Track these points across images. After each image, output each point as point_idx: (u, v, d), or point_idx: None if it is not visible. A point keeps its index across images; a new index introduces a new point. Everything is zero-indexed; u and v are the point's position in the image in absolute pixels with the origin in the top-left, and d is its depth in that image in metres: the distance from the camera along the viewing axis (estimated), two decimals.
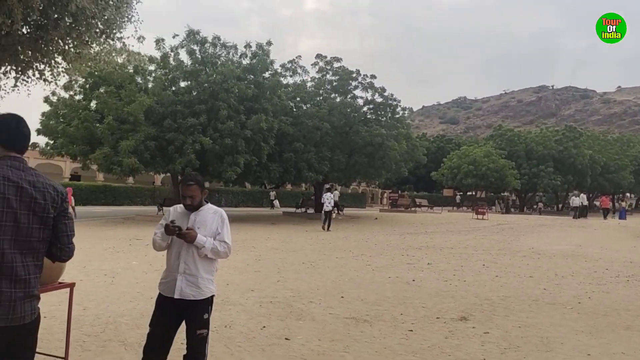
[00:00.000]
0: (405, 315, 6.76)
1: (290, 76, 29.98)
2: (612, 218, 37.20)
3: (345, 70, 30.36)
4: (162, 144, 22.00)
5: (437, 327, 6.19)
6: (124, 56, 24.57)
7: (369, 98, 30.96)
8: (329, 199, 22.10)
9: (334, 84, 30.32)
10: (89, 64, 22.37)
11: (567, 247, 16.41)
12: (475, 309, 7.17)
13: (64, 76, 3.71)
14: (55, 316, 6.10)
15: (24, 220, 2.28)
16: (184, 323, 3.63)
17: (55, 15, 2.42)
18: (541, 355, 5.21)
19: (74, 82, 23.75)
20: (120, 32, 3.48)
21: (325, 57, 30.98)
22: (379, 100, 30.97)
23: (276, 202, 46.01)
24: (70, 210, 16.62)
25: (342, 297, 7.86)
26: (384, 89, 30.87)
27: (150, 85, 23.39)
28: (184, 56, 25.02)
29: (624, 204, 52.27)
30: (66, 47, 3.09)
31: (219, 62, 24.57)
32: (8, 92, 4.50)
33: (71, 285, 3.57)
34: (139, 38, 3.85)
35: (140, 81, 24.21)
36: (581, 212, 36.22)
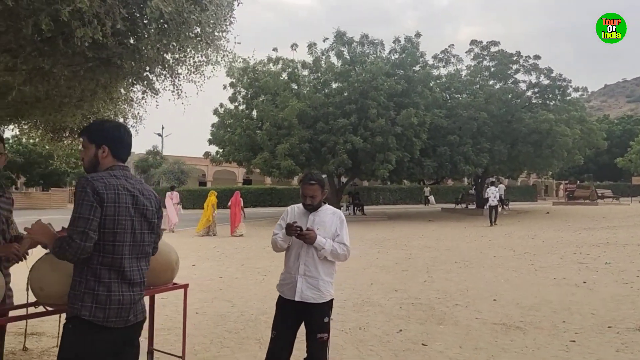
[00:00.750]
0: (569, 323, 5.76)
1: (443, 66, 28.75)
2: None
3: (503, 54, 28.08)
4: (316, 145, 22.72)
5: (607, 338, 5.14)
6: (279, 65, 26.03)
7: (533, 81, 28.25)
8: (493, 193, 21.47)
9: (492, 69, 28.24)
10: (250, 74, 24.24)
11: None
12: None
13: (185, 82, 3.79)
14: (206, 312, 6.49)
15: (138, 227, 2.39)
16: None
17: (143, 21, 2.42)
18: None
19: (237, 94, 25.89)
20: (222, 34, 3.42)
21: (481, 42, 29.04)
22: (545, 82, 28.04)
23: (431, 198, 44.62)
24: (242, 212, 18.20)
25: (494, 300, 7.06)
26: (550, 70, 27.88)
27: (305, 90, 24.37)
28: (334, 59, 25.60)
29: None
30: (164, 55, 3.17)
31: (368, 61, 24.57)
32: (141, 104, 4.83)
33: (185, 287, 3.63)
34: (237, 42, 3.83)
35: (295, 87, 25.33)
36: None
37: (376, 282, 8.57)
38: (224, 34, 3.72)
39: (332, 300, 3.52)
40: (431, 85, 26.46)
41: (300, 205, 3.56)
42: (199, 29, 2.77)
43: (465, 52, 28.90)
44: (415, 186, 47.27)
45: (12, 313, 3.12)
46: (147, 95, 3.92)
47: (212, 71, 4.17)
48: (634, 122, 65.54)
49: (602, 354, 4.69)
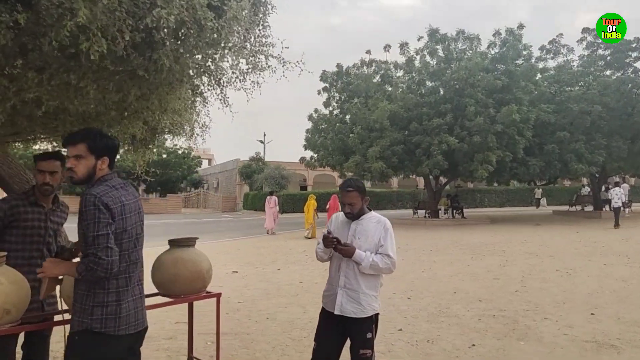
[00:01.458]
0: None
1: (552, 58, 26.61)
2: None
3: (621, 41, 25.31)
4: (410, 147, 22.15)
5: None
6: (373, 67, 25.85)
7: None
8: (617, 194, 19.86)
9: (608, 58, 25.60)
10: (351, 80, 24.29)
11: None
12: None
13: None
14: (277, 317, 6.50)
15: (139, 232, 2.46)
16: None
17: (159, 32, 2.44)
18: None
19: (331, 98, 26.13)
20: (256, 39, 3.39)
21: (595, 29, 26.46)
22: None
23: (543, 201, 41.45)
24: None
25: (591, 313, 6.29)
26: None
27: (398, 91, 23.94)
28: (429, 57, 24.83)
29: None
30: (201, 63, 3.22)
31: (465, 57, 23.51)
32: (202, 114, 4.97)
33: (217, 296, 3.59)
34: (285, 47, 3.75)
35: (390, 89, 24.94)
36: None
37: (460, 291, 8.05)
38: (262, 39, 3.68)
39: (376, 315, 3.31)
40: (536, 79, 24.60)
41: (342, 214, 3.40)
42: (217, 35, 2.73)
43: (577, 42, 26.51)
44: (524, 187, 44.22)
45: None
46: (196, 103, 4.01)
47: (262, 77, 4.14)
48: None
49: None
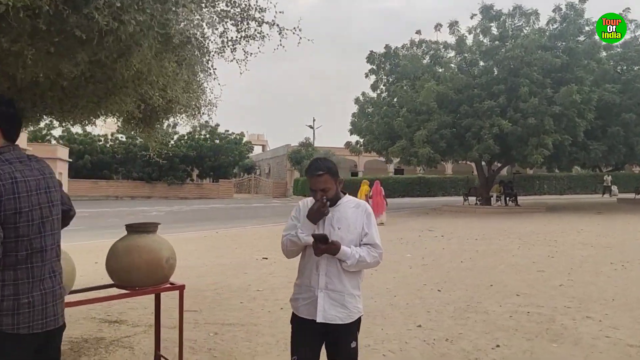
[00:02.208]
0: None
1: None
2: None
3: None
4: (460, 131, 21.16)
5: None
6: (423, 47, 24.87)
7: None
8: None
9: None
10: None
11: None
12: None
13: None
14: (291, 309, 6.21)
15: (46, 214, 2.09)
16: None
17: None
18: None
19: (379, 81, 25.41)
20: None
21: None
22: None
23: (614, 189, 38.77)
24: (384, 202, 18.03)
25: None
26: None
27: (448, 72, 22.90)
28: (482, 36, 23.55)
29: None
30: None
31: (522, 34, 22.08)
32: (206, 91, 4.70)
33: (180, 289, 3.26)
34: (280, 12, 3.36)
35: (440, 70, 23.89)
36: None
37: (498, 283, 7.46)
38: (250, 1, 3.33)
39: (360, 318, 2.82)
40: (600, 56, 22.80)
41: (312, 200, 2.79)
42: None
43: None
44: (587, 174, 41.63)
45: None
46: (183, 76, 3.72)
47: (258, 48, 3.81)
48: None
49: None
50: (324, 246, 2.62)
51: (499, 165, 26.17)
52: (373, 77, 25.54)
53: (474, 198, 25.45)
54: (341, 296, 2.72)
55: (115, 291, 3.10)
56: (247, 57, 3.86)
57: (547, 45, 21.42)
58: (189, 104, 4.74)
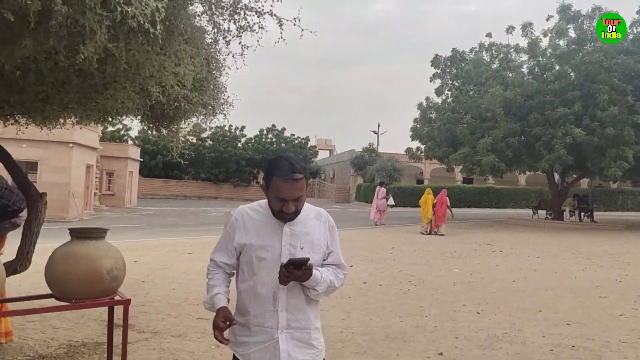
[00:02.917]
0: None
1: None
2: None
3: None
4: (529, 139, 19.83)
5: None
6: (492, 50, 23.68)
7: None
8: None
9: None
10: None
11: None
12: None
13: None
14: None
15: None
16: None
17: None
18: None
19: (444, 86, 24.49)
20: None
21: None
22: None
23: None
24: (448, 211, 17.22)
25: None
26: None
27: (518, 77, 21.60)
28: (558, 39, 22.02)
29: None
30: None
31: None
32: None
33: (125, 303, 2.94)
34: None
35: (510, 75, 22.58)
36: None
37: (549, 309, 6.70)
38: None
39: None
40: None
41: (257, 209, 2.18)
42: None
43: None
44: None
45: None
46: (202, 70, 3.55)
47: (258, 41, 3.56)
48: None
49: None
50: (300, 272, 1.98)
51: (574, 177, 24.37)
52: (438, 82, 24.69)
53: (544, 212, 23.82)
54: (307, 334, 2.14)
55: (50, 301, 2.91)
56: (243, 50, 3.63)
57: (630, 50, 19.63)
58: (200, 102, 4.56)
